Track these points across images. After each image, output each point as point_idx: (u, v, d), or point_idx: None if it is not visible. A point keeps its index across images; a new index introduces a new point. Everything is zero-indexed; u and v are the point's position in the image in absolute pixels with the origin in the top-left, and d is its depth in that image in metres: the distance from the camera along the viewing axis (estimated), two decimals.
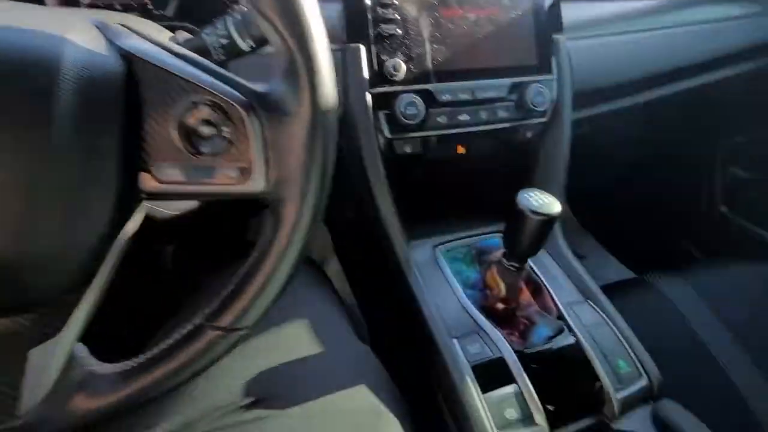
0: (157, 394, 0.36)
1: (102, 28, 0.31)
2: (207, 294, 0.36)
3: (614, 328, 0.58)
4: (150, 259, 1.04)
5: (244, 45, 0.43)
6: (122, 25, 0.33)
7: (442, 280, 0.64)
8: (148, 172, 0.31)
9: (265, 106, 0.31)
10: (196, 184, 0.32)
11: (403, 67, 0.59)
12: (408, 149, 0.64)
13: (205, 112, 0.30)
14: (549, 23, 0.68)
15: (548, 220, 0.49)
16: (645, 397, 0.54)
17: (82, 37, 0.28)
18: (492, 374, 0.53)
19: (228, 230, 1.01)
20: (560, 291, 0.63)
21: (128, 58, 0.29)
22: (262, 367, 0.48)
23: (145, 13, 0.57)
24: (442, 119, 0.63)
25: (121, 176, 0.30)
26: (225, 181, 0.32)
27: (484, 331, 0.57)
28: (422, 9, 0.61)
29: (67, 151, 0.27)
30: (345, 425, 0.44)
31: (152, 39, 0.32)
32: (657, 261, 1.39)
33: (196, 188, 0.32)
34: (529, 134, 0.70)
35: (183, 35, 0.47)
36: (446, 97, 0.62)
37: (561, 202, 0.50)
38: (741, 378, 0.66)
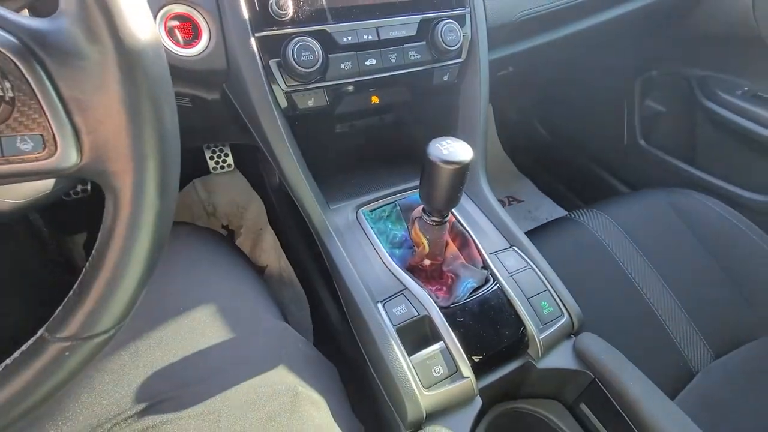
0: (7, 421, 0.29)
1: None
2: None
3: (537, 271, 0.58)
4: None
5: None
6: None
7: (366, 242, 0.60)
8: None
9: (49, 50, 0.23)
10: None
11: (291, 4, 0.50)
12: (311, 102, 0.56)
13: None
14: None
15: (461, 168, 0.46)
16: (567, 333, 0.56)
17: None
18: (418, 334, 0.51)
19: None
20: (486, 240, 0.62)
21: None
22: (159, 364, 0.42)
23: None
24: (346, 66, 0.56)
25: None
26: (18, 157, 0.24)
27: (410, 290, 0.55)
28: None
29: None
30: (259, 416, 0.40)
31: None
32: (587, 197, 1.47)
33: None
34: (446, 77, 0.65)
35: None
36: (347, 39, 0.55)
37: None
38: (656, 300, 0.70)
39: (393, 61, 0.59)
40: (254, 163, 1.16)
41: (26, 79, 0.23)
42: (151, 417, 0.38)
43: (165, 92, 0.26)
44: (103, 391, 0.39)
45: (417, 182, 0.70)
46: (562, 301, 0.56)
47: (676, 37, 1.11)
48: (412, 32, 0.59)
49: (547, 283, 0.57)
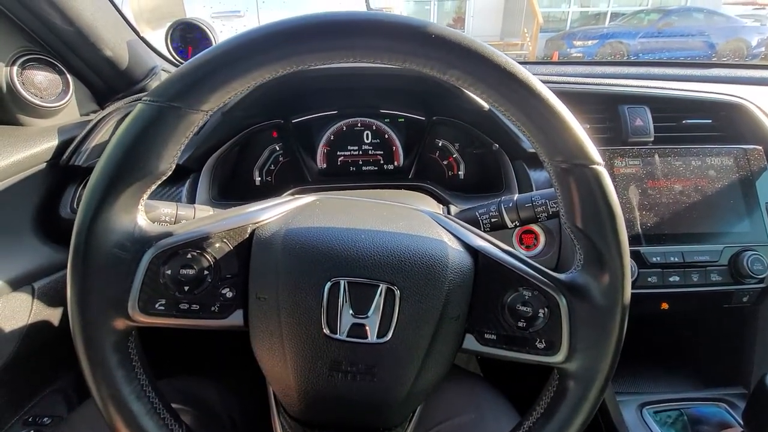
0: None
1: (445, 226, 0.44)
2: None
3: None
4: None
5: (509, 223, 0.55)
6: (450, 219, 0.46)
7: None
8: (472, 334, 0.41)
9: (570, 291, 0.39)
10: (509, 350, 0.40)
11: None
12: None
13: (526, 295, 0.40)
14: (759, 191, 0.70)
15: None
16: None
17: (448, 238, 0.41)
18: None
19: None
20: None
21: (475, 253, 0.41)
22: None
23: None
24: (652, 279, 0.66)
25: (461, 337, 0.40)
26: (534, 351, 0.40)
27: None
28: (630, 181, 0.69)
29: (442, 318, 0.38)
30: None
31: (480, 235, 0.44)
32: None
33: (506, 353, 0.40)
34: (744, 299, 0.68)
35: (453, 209, 0.62)
36: (656, 259, 0.66)
37: None
38: None
39: (694, 279, 0.66)
40: None
41: (558, 307, 0.39)
42: None
43: (626, 320, 0.39)
44: None
45: (703, 393, 0.69)
46: None
47: None
48: (716, 258, 0.67)
49: None
